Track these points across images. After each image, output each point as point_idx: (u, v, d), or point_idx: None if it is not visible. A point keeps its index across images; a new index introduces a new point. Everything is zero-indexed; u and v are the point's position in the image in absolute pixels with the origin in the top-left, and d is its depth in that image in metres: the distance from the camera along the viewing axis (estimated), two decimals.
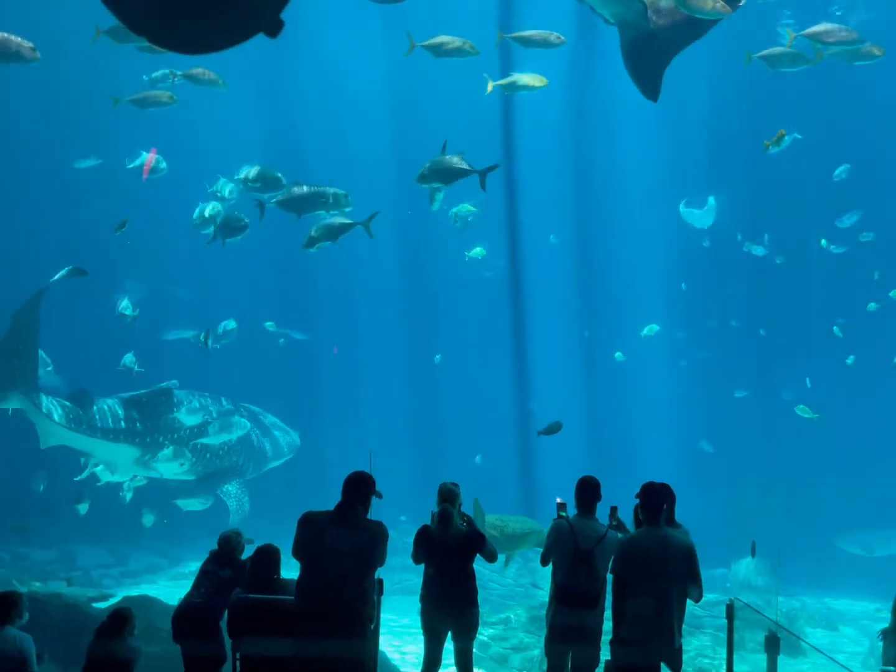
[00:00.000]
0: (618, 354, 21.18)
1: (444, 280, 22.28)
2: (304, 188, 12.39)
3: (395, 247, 21.44)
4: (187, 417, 15.38)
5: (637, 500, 6.11)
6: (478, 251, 18.95)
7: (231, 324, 16.99)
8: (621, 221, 22.60)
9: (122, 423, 14.90)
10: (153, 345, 17.44)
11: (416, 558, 6.70)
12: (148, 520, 15.54)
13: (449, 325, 22.85)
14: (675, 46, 10.94)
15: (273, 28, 2.89)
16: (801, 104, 19.25)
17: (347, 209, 12.59)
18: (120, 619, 6.31)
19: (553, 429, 14.21)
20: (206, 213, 13.56)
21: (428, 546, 6.57)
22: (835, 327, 19.83)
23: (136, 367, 15.82)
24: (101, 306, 17.14)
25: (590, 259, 23.46)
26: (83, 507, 14.91)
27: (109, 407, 14.93)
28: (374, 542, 5.83)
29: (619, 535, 6.35)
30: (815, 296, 21.22)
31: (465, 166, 11.71)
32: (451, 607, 6.54)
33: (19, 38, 10.55)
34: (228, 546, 6.83)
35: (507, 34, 12.88)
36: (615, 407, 23.04)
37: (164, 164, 14.75)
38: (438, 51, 12.46)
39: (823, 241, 19.52)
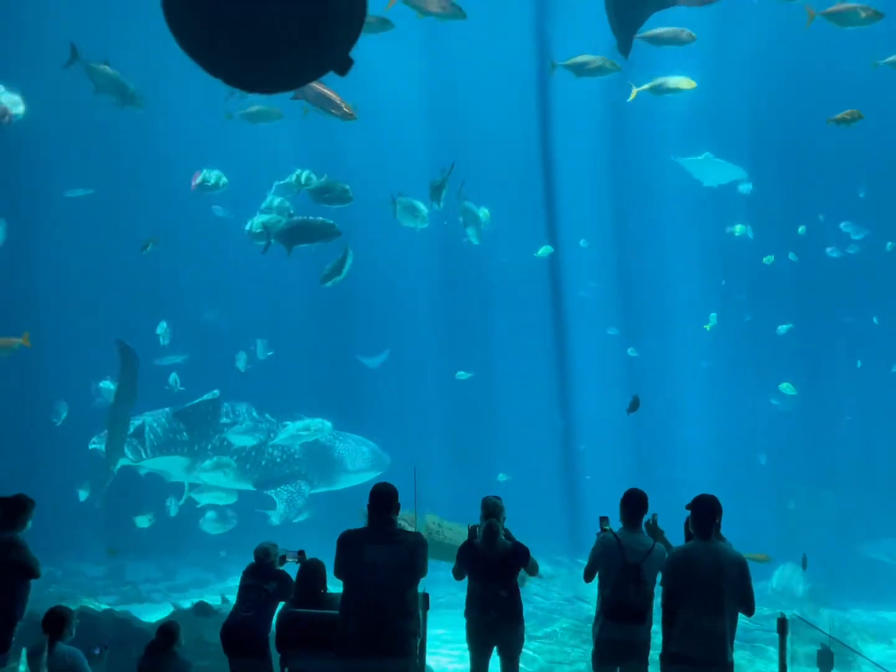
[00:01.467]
0: (630, 350, 20.94)
1: (481, 287, 22.22)
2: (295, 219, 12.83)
3: (431, 257, 21.49)
4: (232, 428, 15.68)
5: (688, 513, 6.03)
6: (545, 249, 18.97)
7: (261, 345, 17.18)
8: (660, 226, 22.44)
9: (170, 435, 15.47)
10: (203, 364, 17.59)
11: (459, 573, 6.69)
12: (142, 521, 15.71)
13: (487, 334, 22.82)
14: (655, 4, 10.55)
15: (342, 66, 2.97)
16: (851, 96, 18.92)
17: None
18: (169, 633, 6.39)
19: (635, 405, 14.02)
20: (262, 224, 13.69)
21: (472, 561, 6.56)
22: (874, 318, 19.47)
23: (177, 387, 16.21)
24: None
25: (628, 263, 23.27)
26: (143, 521, 15.15)
27: (156, 421, 15.57)
28: (412, 554, 5.83)
29: (663, 547, 6.27)
30: (863, 298, 20.85)
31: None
32: (497, 622, 6.52)
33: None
34: (268, 558, 6.85)
35: (640, 35, 12.56)
36: (656, 415, 22.79)
37: (224, 180, 14.50)
38: (580, 70, 12.71)
39: (889, 244, 19.10)
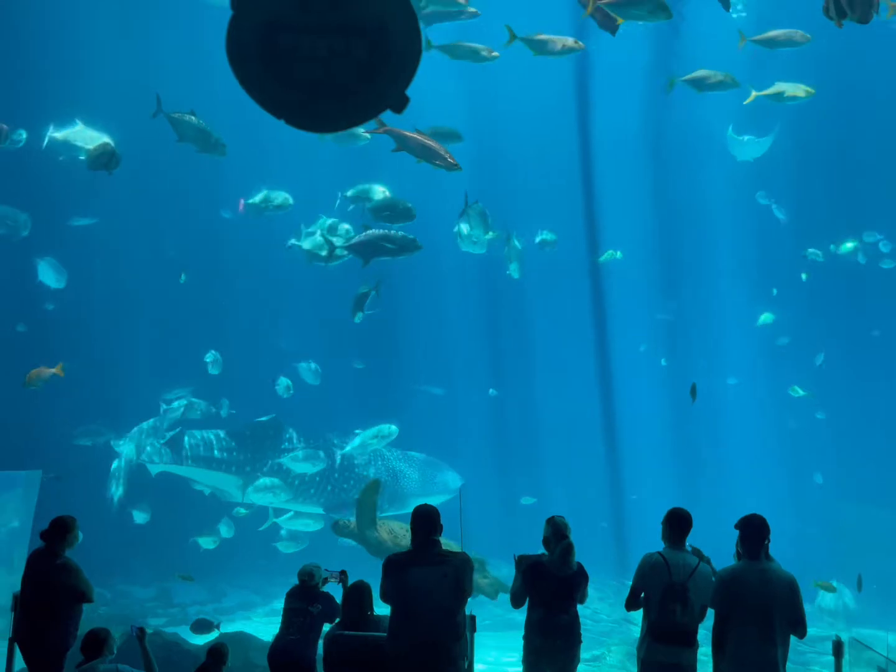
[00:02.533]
0: (642, 347, 20.67)
1: (524, 301, 22.12)
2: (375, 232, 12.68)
3: (471, 276, 21.48)
4: (290, 454, 15.81)
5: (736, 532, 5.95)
6: (612, 254, 18.93)
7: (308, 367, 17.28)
8: (704, 238, 22.22)
9: (215, 451, 15.83)
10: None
11: (520, 598, 6.52)
12: (206, 542, 15.83)
13: (529, 350, 22.72)
14: None
15: (399, 105, 3.06)
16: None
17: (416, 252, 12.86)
18: (218, 654, 6.44)
19: (693, 392, 13.73)
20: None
21: (541, 583, 6.44)
22: None
23: (226, 410, 16.47)
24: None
25: (673, 277, 23.02)
26: (207, 542, 15.30)
27: (202, 435, 16.00)
28: (459, 575, 5.81)
29: (709, 567, 6.16)
30: None
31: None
32: (560, 647, 6.43)
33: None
34: (312, 580, 6.86)
35: (752, 38, 12.59)
36: (703, 433, 22.46)
37: (290, 201, 14.63)
38: (701, 85, 12.62)
39: None
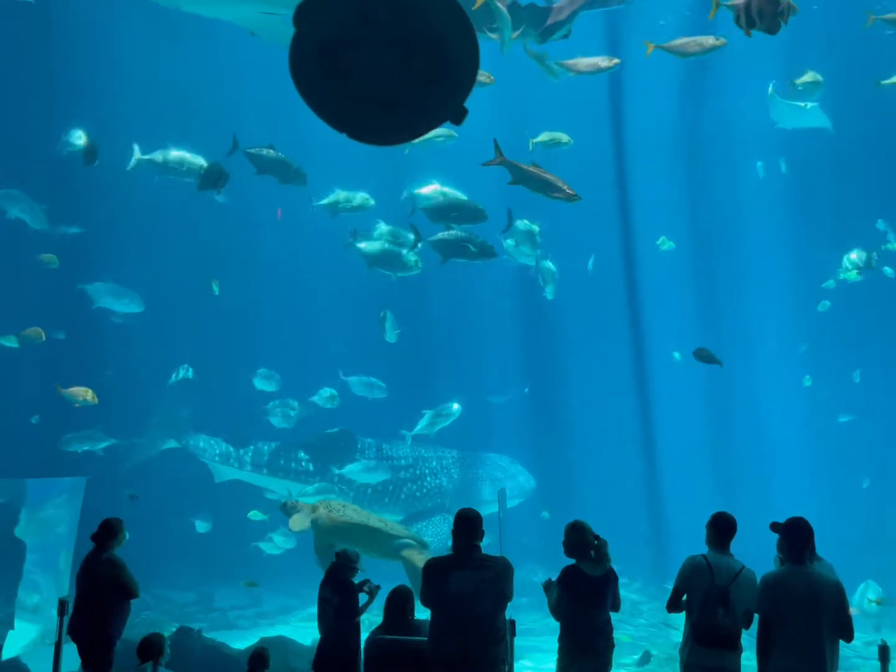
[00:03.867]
0: (675, 354, 20.40)
1: (561, 310, 21.99)
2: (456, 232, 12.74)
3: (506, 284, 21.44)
4: (349, 465, 16.08)
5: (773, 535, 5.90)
6: (665, 243, 18.69)
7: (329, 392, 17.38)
8: (742, 247, 21.97)
9: (281, 460, 16.52)
10: None
11: (559, 608, 6.43)
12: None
13: (565, 353, 22.62)
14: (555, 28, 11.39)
15: (458, 116, 3.09)
16: None
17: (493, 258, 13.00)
18: (261, 659, 6.50)
19: (705, 355, 13.42)
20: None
21: (576, 586, 6.40)
22: None
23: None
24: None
25: (712, 286, 22.79)
26: (271, 548, 15.46)
27: (267, 445, 16.68)
28: (500, 579, 5.83)
29: (753, 572, 6.09)
30: None
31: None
32: (596, 651, 6.37)
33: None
34: (338, 560, 6.93)
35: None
36: (746, 436, 22.19)
37: (371, 202, 14.54)
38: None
39: None
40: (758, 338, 22.15)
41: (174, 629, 11.66)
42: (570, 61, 12.16)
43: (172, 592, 16.92)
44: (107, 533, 7.07)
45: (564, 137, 13.76)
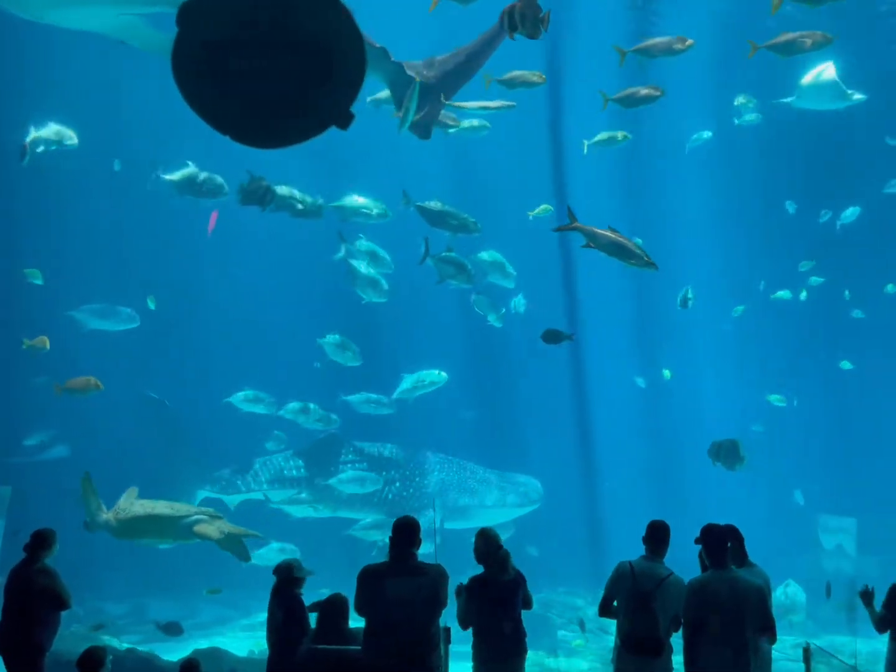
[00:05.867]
0: (665, 372, 20.74)
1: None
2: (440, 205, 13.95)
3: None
4: (337, 476, 16.30)
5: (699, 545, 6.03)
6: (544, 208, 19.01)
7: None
8: (678, 263, 22.35)
9: (283, 472, 16.88)
10: None
11: (467, 619, 6.48)
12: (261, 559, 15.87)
13: (510, 365, 22.71)
14: (449, 90, 12.16)
15: (344, 121, 3.08)
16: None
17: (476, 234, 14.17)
18: (191, 670, 6.40)
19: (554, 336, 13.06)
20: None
21: (481, 594, 6.45)
22: None
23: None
24: None
25: (650, 294, 23.08)
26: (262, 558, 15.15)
27: (272, 459, 17.06)
28: (436, 586, 5.84)
29: (681, 579, 6.20)
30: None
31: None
32: (505, 655, 6.43)
33: None
34: (281, 574, 6.84)
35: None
36: (684, 441, 22.53)
37: (387, 214, 14.71)
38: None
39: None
40: (693, 347, 22.53)
41: (106, 642, 11.42)
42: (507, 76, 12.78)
43: (105, 604, 16.57)
44: (39, 543, 6.98)
45: (620, 135, 14.57)
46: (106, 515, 10.85)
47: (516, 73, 12.97)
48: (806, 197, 19.74)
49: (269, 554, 14.88)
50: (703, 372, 22.66)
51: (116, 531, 10.86)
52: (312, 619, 6.76)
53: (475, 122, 13.98)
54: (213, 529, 10.72)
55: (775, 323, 21.42)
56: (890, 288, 19.47)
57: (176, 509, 11.13)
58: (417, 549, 5.99)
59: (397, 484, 16.85)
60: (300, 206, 13.26)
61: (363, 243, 15.27)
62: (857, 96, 15.15)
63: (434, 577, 5.86)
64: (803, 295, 19.97)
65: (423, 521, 15.97)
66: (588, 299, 22.46)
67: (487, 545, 6.62)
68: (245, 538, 11.13)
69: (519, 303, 16.50)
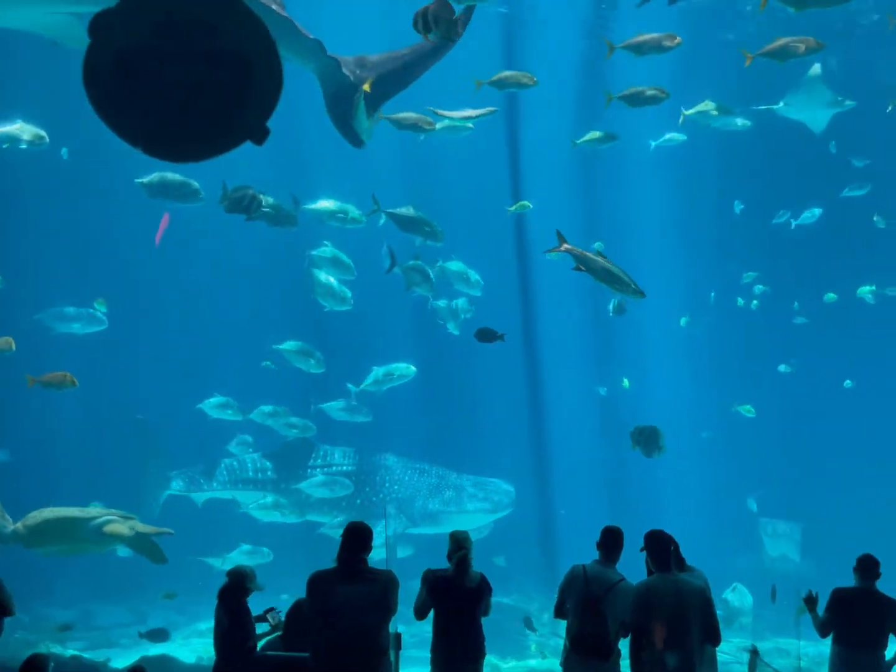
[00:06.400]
0: (625, 382, 20.95)
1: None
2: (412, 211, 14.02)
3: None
4: (307, 480, 16.17)
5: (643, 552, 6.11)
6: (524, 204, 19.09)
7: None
8: (633, 269, 22.54)
9: (246, 474, 16.76)
10: None
11: (423, 611, 6.53)
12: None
13: (466, 367, 22.72)
14: (380, 97, 11.71)
15: (259, 137, 3.05)
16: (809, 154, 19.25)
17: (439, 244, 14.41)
18: None
19: (490, 335, 13.27)
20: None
21: (441, 595, 6.49)
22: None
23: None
24: None
25: (605, 301, 23.26)
26: (217, 562, 15.01)
27: (237, 460, 16.90)
28: (386, 593, 5.81)
29: (631, 584, 6.27)
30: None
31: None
32: (463, 658, 6.46)
33: None
34: (229, 580, 6.74)
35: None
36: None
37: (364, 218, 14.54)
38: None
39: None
40: (646, 353, 22.76)
41: (51, 649, 11.20)
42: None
43: (51, 610, 16.23)
44: None
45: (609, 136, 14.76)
46: (13, 526, 10.58)
47: (507, 73, 12.92)
48: (760, 203, 20.07)
49: (240, 557, 14.71)
50: (657, 378, 22.90)
51: (26, 539, 10.51)
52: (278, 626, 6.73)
53: (456, 123, 13.63)
54: (124, 528, 10.51)
55: (726, 330, 21.76)
56: (830, 296, 19.90)
57: (86, 512, 10.91)
58: (368, 554, 5.96)
59: (367, 489, 16.81)
60: (277, 215, 13.10)
61: (327, 250, 15.14)
62: (848, 102, 15.48)
63: (384, 584, 5.84)
64: (754, 304, 20.33)
65: (390, 527, 16.07)
66: (544, 306, 22.60)
67: (452, 546, 6.63)
68: (157, 537, 10.84)
69: (463, 308, 16.47)
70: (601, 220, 21.81)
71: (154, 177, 12.91)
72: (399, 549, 15.84)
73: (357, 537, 5.96)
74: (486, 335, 13.15)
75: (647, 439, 12.26)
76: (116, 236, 19.22)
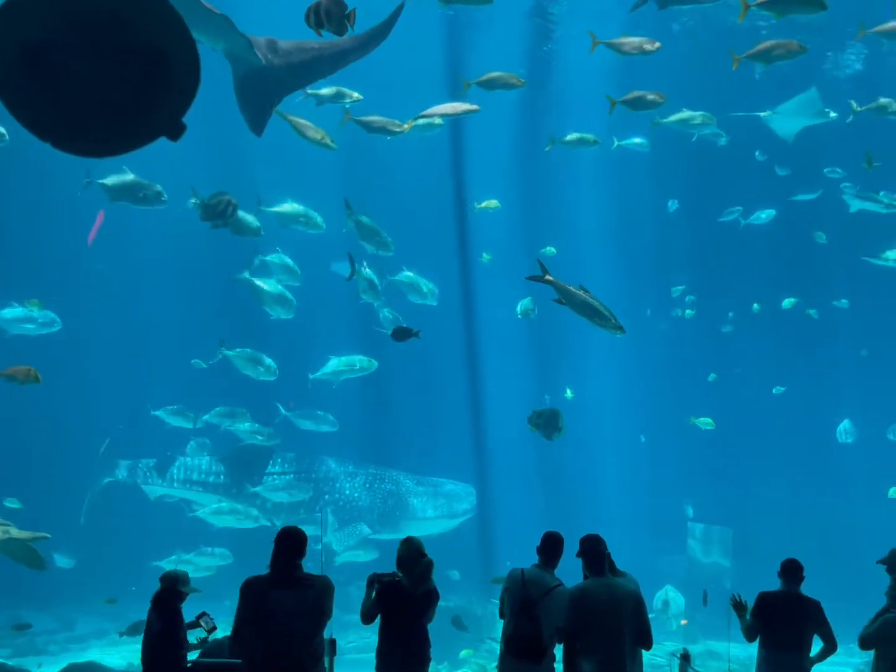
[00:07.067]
0: (568, 393, 21.13)
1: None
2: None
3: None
4: (266, 483, 16.16)
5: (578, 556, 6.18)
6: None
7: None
8: (573, 269, 22.79)
9: (200, 475, 16.67)
10: None
11: (370, 616, 6.52)
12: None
13: (405, 372, 22.68)
14: (289, 85, 11.41)
15: (175, 132, 2.98)
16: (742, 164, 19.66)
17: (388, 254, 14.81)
18: None
19: (406, 333, 13.38)
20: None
21: (394, 601, 6.46)
22: None
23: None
24: None
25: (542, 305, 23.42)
26: (168, 564, 14.53)
27: (193, 461, 16.84)
28: (321, 598, 5.73)
29: (568, 589, 6.32)
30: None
31: None
32: (410, 664, 6.46)
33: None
34: (163, 583, 6.61)
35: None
36: (576, 458, 22.96)
37: (319, 219, 14.65)
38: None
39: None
40: (586, 360, 22.97)
41: None
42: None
43: None
44: None
45: (591, 138, 14.97)
46: None
47: (495, 74, 12.88)
48: (694, 211, 20.45)
49: (199, 559, 14.51)
50: (597, 383, 23.15)
51: None
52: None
53: (428, 121, 13.43)
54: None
55: (661, 339, 22.12)
56: (755, 307, 20.42)
57: None
58: (302, 559, 5.88)
59: (326, 496, 16.77)
60: (243, 223, 12.92)
61: (277, 256, 15.10)
62: (833, 114, 15.88)
63: (320, 589, 5.76)
64: (688, 313, 20.72)
65: (347, 532, 15.87)
66: (486, 312, 22.69)
67: (410, 552, 6.58)
68: (34, 542, 10.55)
69: (385, 317, 16.46)
70: (543, 223, 22.02)
71: (114, 179, 12.61)
72: (362, 554, 15.92)
73: (291, 542, 5.87)
74: (401, 334, 13.22)
75: (547, 422, 12.37)
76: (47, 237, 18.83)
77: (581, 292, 10.04)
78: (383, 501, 16.99)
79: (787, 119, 16.37)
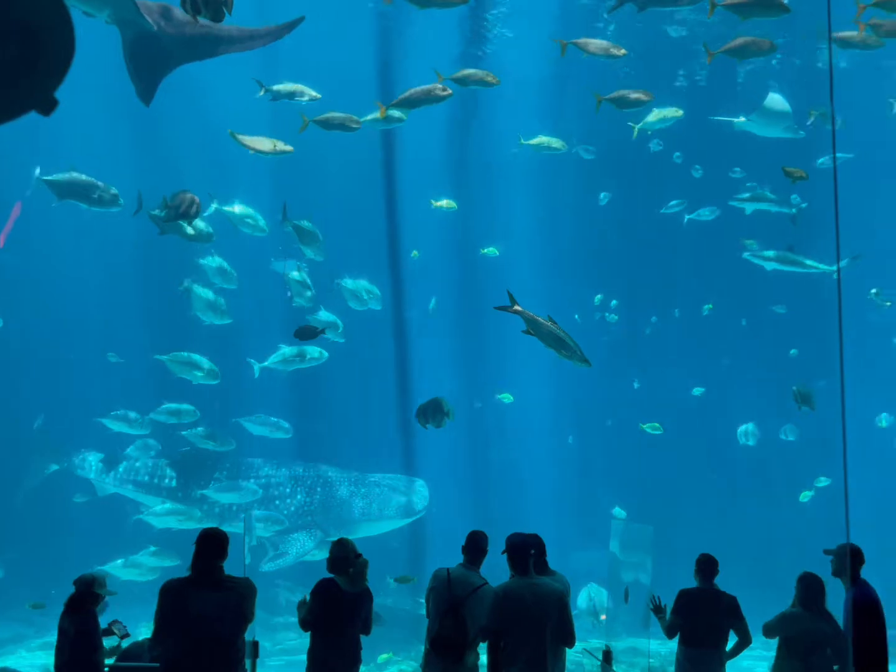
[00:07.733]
0: (505, 396, 21.30)
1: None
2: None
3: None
4: (213, 485, 15.86)
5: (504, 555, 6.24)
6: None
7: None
8: (504, 274, 22.98)
9: (149, 478, 16.37)
10: None
11: (308, 620, 6.49)
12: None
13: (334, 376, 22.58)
14: (181, 57, 11.17)
15: (46, 107, 2.90)
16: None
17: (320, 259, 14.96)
18: None
19: (311, 332, 13.30)
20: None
21: (331, 602, 6.43)
22: None
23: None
24: None
25: (473, 299, 23.52)
26: (128, 572, 14.22)
27: (141, 461, 16.50)
28: (242, 601, 5.69)
29: (493, 589, 6.39)
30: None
31: None
32: (343, 666, 6.44)
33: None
34: (78, 587, 6.48)
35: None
36: (504, 457, 23.14)
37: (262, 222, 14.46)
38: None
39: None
40: (515, 363, 23.16)
41: None
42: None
43: None
44: None
45: (556, 142, 15.13)
46: None
47: (469, 71, 12.89)
48: (624, 211, 20.82)
49: (143, 558, 14.12)
50: (526, 386, 23.35)
51: None
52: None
53: (392, 114, 13.23)
54: None
55: (590, 342, 22.36)
56: (676, 312, 20.95)
57: None
58: (223, 560, 5.82)
59: (277, 502, 16.49)
60: (193, 232, 12.62)
61: (214, 259, 14.84)
62: (801, 133, 16.35)
63: (241, 592, 5.72)
64: (613, 318, 21.12)
65: (312, 540, 15.63)
66: (416, 316, 22.71)
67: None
68: None
69: (325, 318, 16.43)
70: (474, 223, 22.16)
71: (63, 176, 12.15)
72: (318, 553, 15.71)
73: (211, 543, 5.81)
74: (305, 333, 13.16)
75: (434, 413, 12.46)
76: None
77: (549, 323, 10.11)
78: (339, 503, 16.75)
79: (760, 128, 16.82)
